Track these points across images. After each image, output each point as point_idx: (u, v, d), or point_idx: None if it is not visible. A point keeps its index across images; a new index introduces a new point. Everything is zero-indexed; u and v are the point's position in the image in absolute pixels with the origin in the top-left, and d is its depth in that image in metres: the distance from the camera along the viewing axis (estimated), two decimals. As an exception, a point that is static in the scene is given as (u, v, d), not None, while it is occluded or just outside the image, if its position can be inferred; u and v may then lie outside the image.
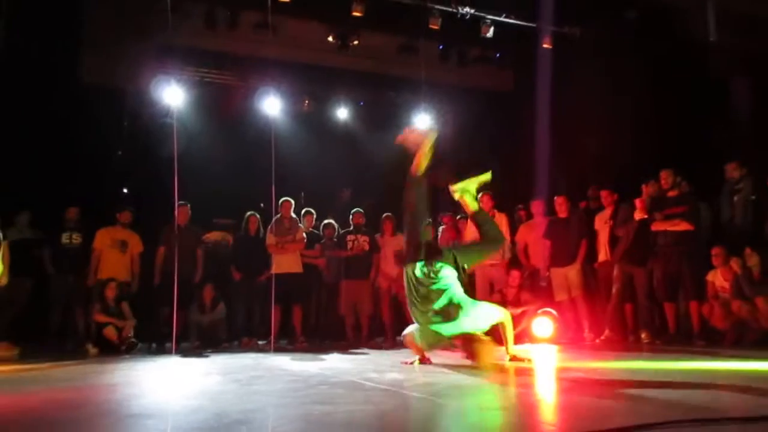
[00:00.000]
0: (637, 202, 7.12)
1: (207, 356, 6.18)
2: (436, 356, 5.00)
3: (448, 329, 4.62)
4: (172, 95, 8.34)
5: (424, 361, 4.83)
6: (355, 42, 9.41)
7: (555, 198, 7.87)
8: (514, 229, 8.31)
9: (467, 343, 4.61)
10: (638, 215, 7.07)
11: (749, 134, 8.20)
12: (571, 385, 3.75)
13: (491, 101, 10.50)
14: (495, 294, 7.70)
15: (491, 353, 4.58)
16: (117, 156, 9.12)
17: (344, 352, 6.41)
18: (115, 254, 7.62)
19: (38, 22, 7.93)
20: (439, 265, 4.86)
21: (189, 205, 7.86)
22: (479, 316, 4.67)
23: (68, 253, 7.66)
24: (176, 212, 7.53)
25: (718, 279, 6.74)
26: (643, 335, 6.96)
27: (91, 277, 7.55)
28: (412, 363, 4.79)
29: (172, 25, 7.66)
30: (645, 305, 7.09)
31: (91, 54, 8.72)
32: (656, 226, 6.93)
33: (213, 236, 8.54)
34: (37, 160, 7.99)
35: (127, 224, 7.79)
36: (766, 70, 8.39)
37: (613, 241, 7.39)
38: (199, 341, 7.51)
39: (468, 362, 4.57)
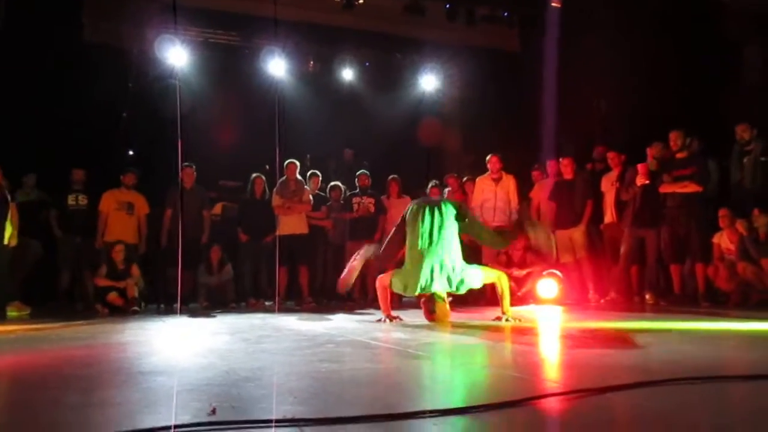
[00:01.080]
0: (640, 167, 7.07)
1: (215, 316, 6.25)
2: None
3: (431, 285, 4.83)
4: (177, 56, 8.26)
5: (392, 318, 5.00)
6: (361, 1, 9.26)
7: (560, 159, 7.83)
8: (525, 190, 8.30)
9: (428, 302, 4.95)
10: (640, 180, 7.03)
11: (760, 95, 8.09)
12: (575, 343, 3.79)
13: (499, 61, 10.36)
14: (501, 255, 7.73)
15: (446, 315, 4.92)
16: (122, 117, 9.10)
17: (350, 312, 6.47)
18: (121, 216, 7.66)
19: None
20: (446, 206, 5.05)
21: (194, 167, 7.86)
22: (470, 280, 4.88)
23: (75, 215, 7.70)
24: (181, 174, 7.54)
25: (724, 241, 6.73)
26: (647, 296, 7.00)
27: (98, 239, 7.60)
28: (381, 321, 5.01)
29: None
30: (653, 267, 7.11)
31: (95, 13, 8.62)
32: (664, 188, 6.90)
33: (217, 209, 8.56)
34: (42, 121, 7.98)
35: (132, 186, 7.80)
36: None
37: (620, 203, 7.38)
38: (207, 302, 7.60)
39: (476, 321, 4.61)
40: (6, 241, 6.64)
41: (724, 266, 6.58)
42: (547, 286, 7.30)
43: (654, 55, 8.68)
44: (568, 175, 7.75)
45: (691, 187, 6.79)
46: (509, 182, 8.02)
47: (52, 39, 8.09)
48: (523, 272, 7.47)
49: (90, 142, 8.16)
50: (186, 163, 7.58)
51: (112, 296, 6.97)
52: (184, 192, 7.62)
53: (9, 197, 6.79)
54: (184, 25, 8.73)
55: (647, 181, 6.96)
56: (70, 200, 7.71)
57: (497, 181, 7.98)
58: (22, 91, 7.76)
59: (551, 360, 3.19)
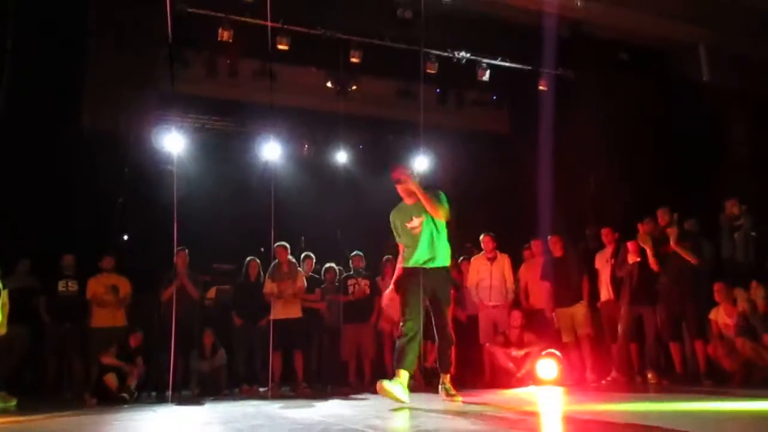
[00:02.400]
0: (629, 245, 7.10)
1: (207, 404, 6.07)
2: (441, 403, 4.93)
3: None
4: (173, 142, 8.42)
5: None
6: (354, 87, 9.55)
7: (548, 238, 7.85)
8: (518, 270, 8.29)
9: None
10: (631, 258, 7.05)
11: (748, 171, 8.27)
12: (576, 428, 3.68)
13: (490, 142, 10.60)
14: (498, 336, 7.63)
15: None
16: (118, 203, 9.16)
17: (347, 397, 6.30)
18: (108, 301, 7.59)
19: (42, 67, 8.04)
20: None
21: (187, 251, 7.84)
22: None
23: (64, 301, 7.64)
24: (175, 258, 7.51)
25: (720, 316, 6.68)
26: (649, 375, 6.86)
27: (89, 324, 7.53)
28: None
29: (174, 74, 7.79)
30: (652, 345, 7.01)
31: (93, 101, 8.84)
32: (672, 248, 6.81)
33: (211, 293, 8.54)
34: (37, 206, 8.01)
35: (112, 269, 7.77)
36: (761, 108, 8.50)
37: (615, 280, 7.35)
38: (199, 389, 7.40)
39: (477, 406, 4.50)
40: (-5, 330, 6.52)
41: (722, 344, 6.50)
42: (547, 366, 7.16)
43: (641, 133, 8.92)
44: (557, 252, 7.75)
45: (688, 256, 6.76)
46: (504, 261, 8.02)
47: (50, 124, 8.23)
48: (522, 352, 7.35)
49: (85, 228, 8.18)
50: (180, 248, 7.57)
51: (110, 377, 6.79)
52: (177, 276, 7.59)
53: (0, 284, 6.72)
54: (180, 112, 8.94)
55: (638, 259, 6.98)
56: (60, 286, 7.67)
57: (492, 260, 7.98)
58: (17, 174, 7.82)
59: (554, 447, 3.09)
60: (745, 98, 9.09)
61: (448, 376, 5.19)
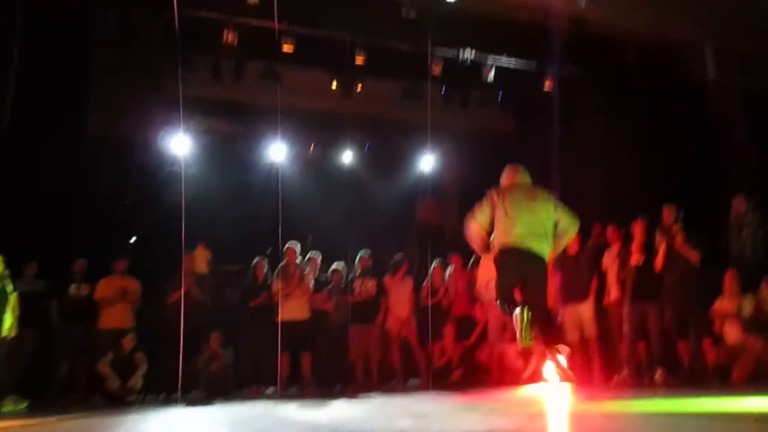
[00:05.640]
0: (634, 245, 7.07)
1: (215, 406, 6.10)
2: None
3: None
4: (180, 145, 8.45)
5: None
6: (359, 88, 9.53)
7: None
8: None
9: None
10: (635, 260, 7.03)
11: (753, 168, 8.22)
12: (587, 429, 3.68)
13: (495, 142, 10.56)
14: (507, 334, 7.62)
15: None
16: (125, 205, 9.18)
17: (353, 398, 6.32)
18: (117, 303, 7.62)
19: (48, 73, 8.07)
20: None
21: (194, 252, 7.87)
22: None
23: (76, 304, 7.66)
24: (183, 260, 7.53)
25: (724, 305, 6.62)
26: (657, 374, 6.83)
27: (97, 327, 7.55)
28: None
29: (180, 77, 7.81)
30: (658, 343, 6.98)
31: (100, 107, 8.86)
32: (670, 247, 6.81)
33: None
34: (45, 210, 8.05)
35: (124, 271, 7.80)
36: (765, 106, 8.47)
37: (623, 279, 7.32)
38: (208, 390, 7.42)
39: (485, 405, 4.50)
40: (5, 333, 6.55)
41: (730, 340, 6.47)
42: (554, 365, 7.11)
43: (648, 131, 8.86)
44: (572, 249, 7.69)
45: (692, 255, 6.74)
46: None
47: (56, 129, 8.26)
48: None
49: (93, 230, 8.21)
50: (187, 250, 7.56)
51: (110, 383, 6.85)
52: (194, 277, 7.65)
53: (11, 287, 6.75)
54: (187, 114, 8.95)
55: (641, 262, 6.95)
56: (72, 290, 7.70)
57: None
58: (25, 180, 7.86)
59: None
60: (751, 96, 9.05)
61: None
